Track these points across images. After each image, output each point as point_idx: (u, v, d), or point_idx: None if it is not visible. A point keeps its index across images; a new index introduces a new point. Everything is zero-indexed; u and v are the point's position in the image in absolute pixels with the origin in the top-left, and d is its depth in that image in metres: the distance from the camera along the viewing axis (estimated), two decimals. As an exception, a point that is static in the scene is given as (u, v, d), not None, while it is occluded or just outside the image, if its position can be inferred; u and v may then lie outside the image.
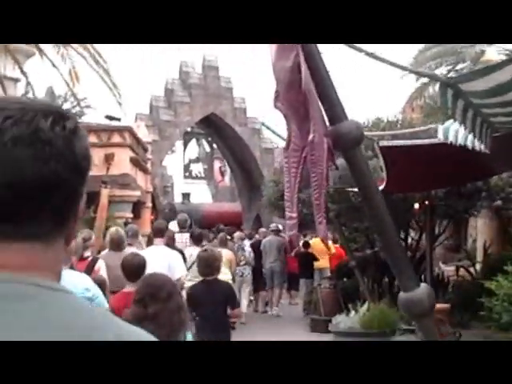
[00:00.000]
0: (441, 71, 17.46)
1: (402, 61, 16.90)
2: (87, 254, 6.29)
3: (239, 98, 26.16)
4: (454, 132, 4.78)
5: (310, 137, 2.33)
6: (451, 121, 4.80)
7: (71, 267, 5.25)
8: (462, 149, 4.80)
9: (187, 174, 29.81)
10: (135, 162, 15.91)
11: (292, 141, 2.54)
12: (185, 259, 7.72)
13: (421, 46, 17.43)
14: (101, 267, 5.99)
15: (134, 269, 4.80)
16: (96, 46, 10.32)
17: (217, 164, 32.41)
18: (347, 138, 2.25)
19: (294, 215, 2.64)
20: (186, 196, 31.59)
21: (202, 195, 37.34)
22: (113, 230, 7.11)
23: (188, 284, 6.70)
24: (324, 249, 13.47)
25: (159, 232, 7.43)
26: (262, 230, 15.18)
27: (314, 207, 2.61)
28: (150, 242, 9.12)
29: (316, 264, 13.15)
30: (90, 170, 0.95)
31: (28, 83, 11.70)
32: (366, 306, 6.17)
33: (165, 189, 37.02)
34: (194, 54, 27.60)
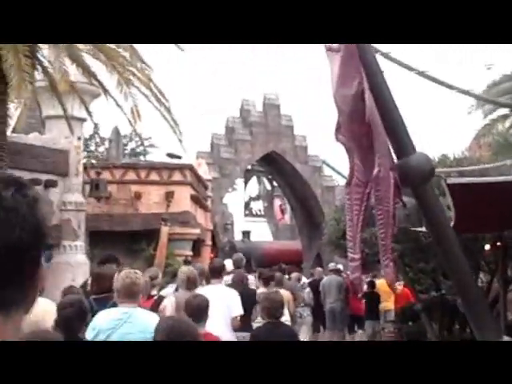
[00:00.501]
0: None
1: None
2: (153, 292, 6.25)
3: (300, 135, 26.11)
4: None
5: (375, 171, 2.12)
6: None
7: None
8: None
9: (247, 211, 29.79)
10: (195, 200, 15.97)
11: (355, 176, 2.34)
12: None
13: (490, 81, 16.94)
14: (166, 306, 5.86)
15: (195, 309, 4.70)
16: (158, 85, 10.48)
17: (277, 202, 32.29)
18: (417, 172, 2.03)
19: (357, 256, 2.42)
20: (246, 234, 31.51)
21: (262, 233, 37.23)
22: (185, 268, 6.90)
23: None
24: (389, 290, 13.00)
25: (216, 272, 7.27)
26: (319, 269, 14.85)
27: (380, 248, 2.38)
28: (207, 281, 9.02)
29: (381, 306, 12.64)
30: (47, 236, 0.96)
31: (95, 124, 11.98)
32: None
33: (225, 226, 37.10)
34: (254, 92, 27.92)
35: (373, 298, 12.98)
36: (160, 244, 12.03)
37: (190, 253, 14.68)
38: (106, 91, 10.53)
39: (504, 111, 16.77)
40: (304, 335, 11.76)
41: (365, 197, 2.30)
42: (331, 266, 13.51)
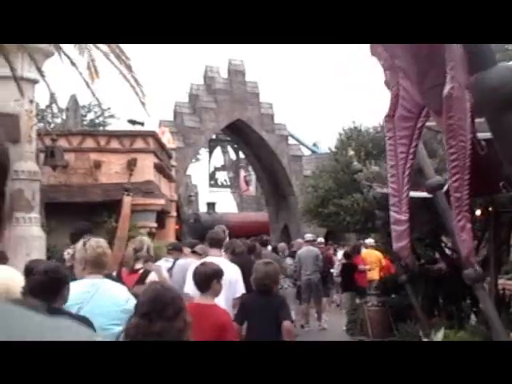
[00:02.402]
0: None
1: None
2: (138, 265, 5.80)
3: (266, 103, 25.32)
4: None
5: (447, 89, 1.42)
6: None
7: (119, 279, 5.24)
8: None
9: (213, 182, 28.97)
10: (159, 169, 15.11)
11: (400, 105, 1.65)
12: None
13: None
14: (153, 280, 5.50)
15: (205, 278, 4.67)
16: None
17: (242, 173, 31.55)
18: (497, 93, 1.35)
19: (404, 218, 1.77)
20: (211, 206, 30.75)
21: (227, 204, 36.54)
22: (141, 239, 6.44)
23: None
24: (377, 260, 12.65)
25: (217, 242, 6.59)
26: (298, 240, 14.32)
27: (452, 203, 1.69)
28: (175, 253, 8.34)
29: (368, 276, 12.31)
30: (9, 167, 0.90)
31: (51, 94, 11.00)
32: (441, 333, 5.09)
33: (189, 198, 36.33)
34: (219, 59, 26.94)
35: (349, 268, 12.68)
36: (122, 215, 11.23)
37: (155, 224, 13.88)
38: (59, 48, 9.56)
39: None
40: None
41: (415, 133, 1.63)
42: (308, 236, 13.06)
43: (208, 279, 4.65)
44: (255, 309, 5.39)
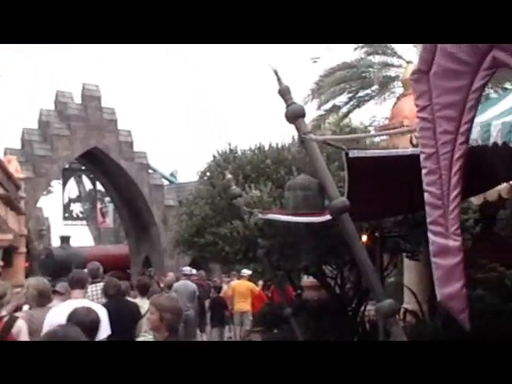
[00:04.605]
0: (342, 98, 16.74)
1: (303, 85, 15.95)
2: (2, 313, 5.28)
3: (124, 130, 24.13)
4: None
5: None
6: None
7: None
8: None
9: (67, 214, 26.99)
10: (6, 201, 13.47)
11: (445, 51, 0.97)
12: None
13: (322, 72, 16.58)
14: (22, 330, 5.05)
15: (88, 326, 3.94)
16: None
17: (98, 205, 29.83)
18: None
19: (455, 243, 1.07)
20: (65, 239, 28.61)
21: (83, 238, 34.42)
22: (33, 280, 5.96)
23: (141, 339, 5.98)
24: (247, 291, 12.16)
25: (79, 282, 5.85)
26: (170, 274, 13.45)
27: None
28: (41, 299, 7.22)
29: (236, 308, 11.81)
30: None
31: None
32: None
33: (40, 232, 33.73)
34: (71, 83, 25.40)
35: (219, 303, 12.21)
36: (-41, 254, 9.66)
37: (0, 263, 12.24)
38: None
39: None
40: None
41: (472, 99, 0.97)
42: (186, 270, 12.51)
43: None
44: None
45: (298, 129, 4.43)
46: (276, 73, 4.40)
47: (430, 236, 1.31)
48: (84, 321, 4.00)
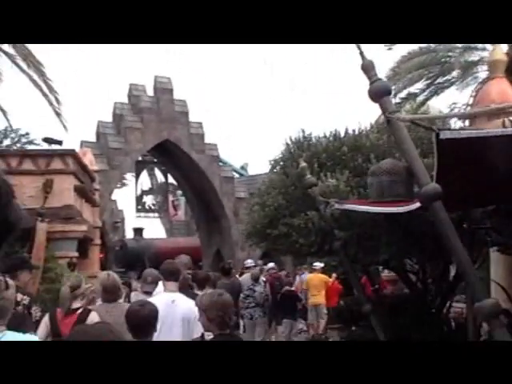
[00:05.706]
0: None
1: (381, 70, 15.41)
2: (76, 305, 5.42)
3: (195, 122, 24.18)
4: None
5: None
6: None
7: (54, 321, 5.15)
8: None
9: (140, 206, 27.37)
10: (81, 192, 13.62)
11: None
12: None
13: (399, 57, 15.93)
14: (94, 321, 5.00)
15: (141, 322, 4.08)
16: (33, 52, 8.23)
17: (170, 197, 30.16)
18: None
19: None
20: (138, 231, 29.11)
21: (155, 230, 34.94)
22: (103, 275, 5.89)
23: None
24: (319, 284, 11.94)
25: (172, 274, 5.78)
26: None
27: None
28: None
29: (310, 301, 11.61)
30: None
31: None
32: None
33: (114, 225, 34.52)
34: (144, 76, 25.71)
35: (290, 296, 11.97)
36: (36, 244, 9.78)
37: (76, 254, 12.37)
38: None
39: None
40: (258, 337, 11.01)
41: None
42: (247, 262, 12.40)
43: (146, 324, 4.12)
44: None
45: (382, 108, 4.04)
46: (359, 47, 4.02)
47: None
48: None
